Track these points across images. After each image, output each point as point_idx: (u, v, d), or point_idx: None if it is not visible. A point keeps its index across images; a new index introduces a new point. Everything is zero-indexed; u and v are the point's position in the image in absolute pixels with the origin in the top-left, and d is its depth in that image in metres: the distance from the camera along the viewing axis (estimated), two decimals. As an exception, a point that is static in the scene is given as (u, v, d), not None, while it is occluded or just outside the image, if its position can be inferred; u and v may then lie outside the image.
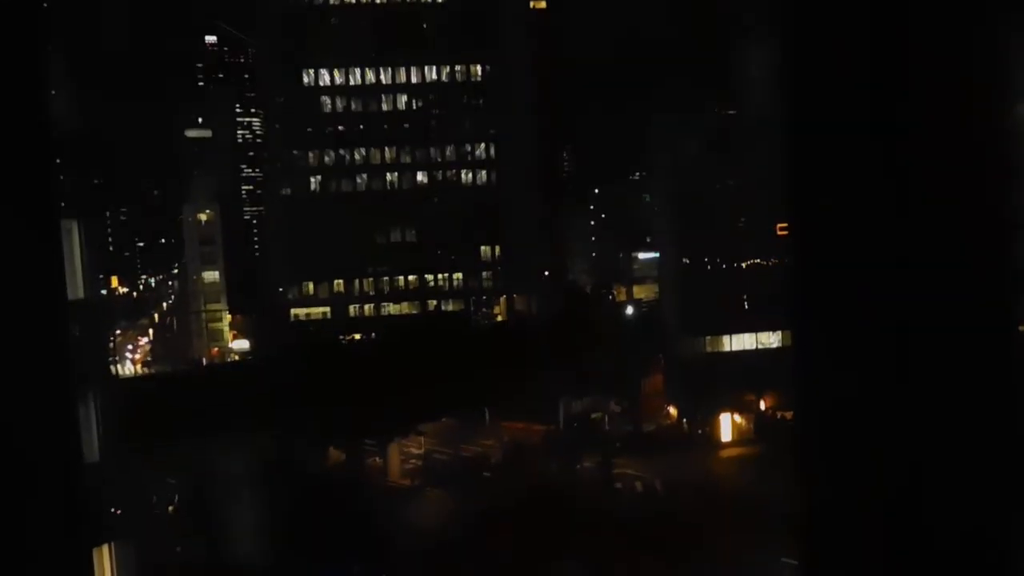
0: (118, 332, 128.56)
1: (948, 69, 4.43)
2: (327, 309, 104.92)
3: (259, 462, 50.37)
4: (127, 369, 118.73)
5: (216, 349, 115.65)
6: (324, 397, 58.70)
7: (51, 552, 6.38)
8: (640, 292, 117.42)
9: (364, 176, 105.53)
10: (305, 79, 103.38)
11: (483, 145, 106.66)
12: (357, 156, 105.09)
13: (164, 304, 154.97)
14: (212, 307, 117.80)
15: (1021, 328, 4.57)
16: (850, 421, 4.63)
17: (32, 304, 6.40)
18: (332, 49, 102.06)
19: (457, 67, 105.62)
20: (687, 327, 76.46)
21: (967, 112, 4.46)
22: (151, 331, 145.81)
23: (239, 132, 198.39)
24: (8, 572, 6.10)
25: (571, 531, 48.58)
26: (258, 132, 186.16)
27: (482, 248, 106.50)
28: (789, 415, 67.32)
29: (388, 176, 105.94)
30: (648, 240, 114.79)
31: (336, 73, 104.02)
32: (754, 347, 76.42)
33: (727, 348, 78.19)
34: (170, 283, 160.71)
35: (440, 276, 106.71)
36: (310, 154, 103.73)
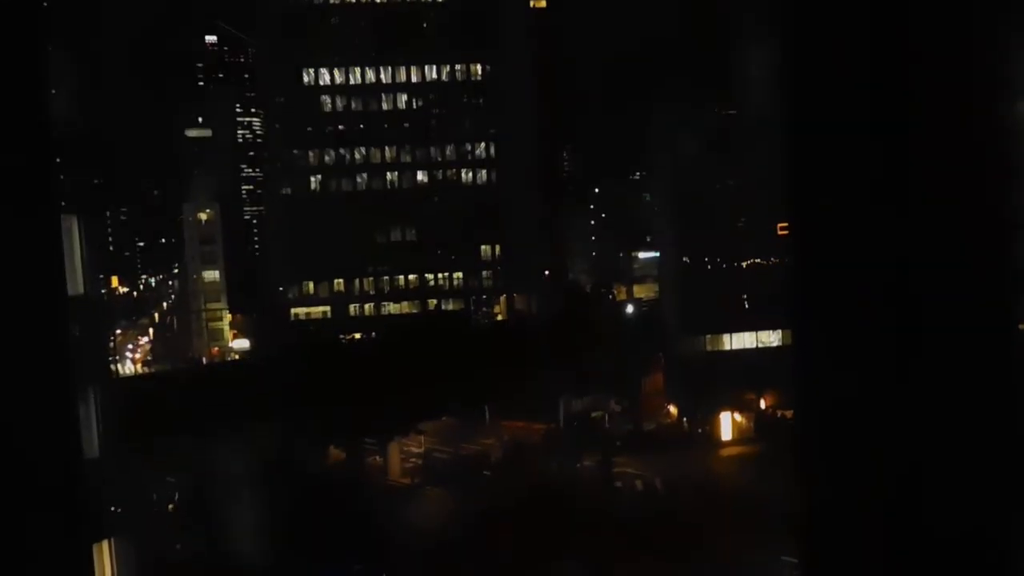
0: (118, 332, 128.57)
1: (948, 69, 4.43)
2: (327, 308, 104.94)
3: (259, 461, 50.38)
4: (127, 368, 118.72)
5: (216, 348, 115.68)
6: (324, 396, 58.71)
7: (51, 547, 6.39)
8: (640, 291, 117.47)
9: (364, 175, 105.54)
10: (305, 78, 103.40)
11: (483, 144, 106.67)
12: (357, 155, 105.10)
13: (164, 304, 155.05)
14: (212, 306, 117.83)
15: (1021, 327, 4.57)
16: (850, 421, 4.63)
17: (32, 300, 6.41)
18: (332, 48, 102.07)
19: (457, 67, 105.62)
20: (687, 326, 76.48)
21: (967, 112, 4.46)
22: (151, 330, 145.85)
23: (239, 132, 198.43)
24: (9, 567, 6.10)
25: (571, 530, 48.60)
26: (258, 132, 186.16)
27: (482, 247, 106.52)
28: (789, 414, 67.34)
29: (388, 175, 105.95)
30: (648, 240, 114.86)
31: (336, 72, 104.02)
32: (754, 346, 76.44)
33: (727, 347, 78.21)
34: (170, 283, 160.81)
35: (440, 275, 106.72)
36: (310, 153, 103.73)
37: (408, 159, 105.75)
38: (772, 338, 73.99)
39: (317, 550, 46.87)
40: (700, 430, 75.14)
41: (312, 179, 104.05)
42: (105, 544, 19.06)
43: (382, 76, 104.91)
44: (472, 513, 52.79)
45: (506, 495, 56.45)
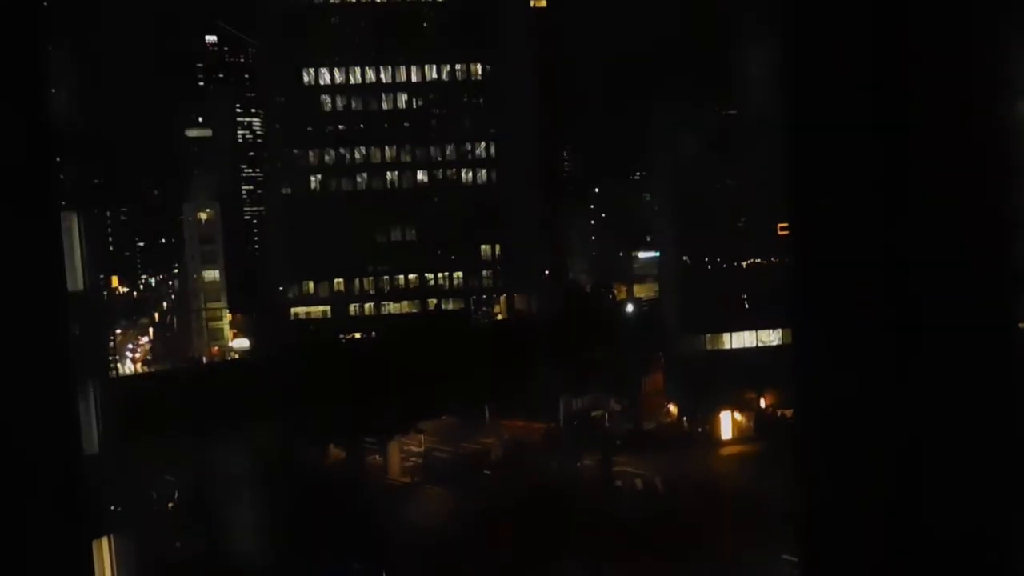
0: (118, 331, 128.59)
1: (948, 69, 4.43)
2: (327, 308, 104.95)
3: (259, 460, 50.39)
4: (127, 368, 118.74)
5: (216, 348, 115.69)
6: (324, 396, 58.72)
7: (51, 543, 6.39)
8: (640, 291, 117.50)
9: (364, 175, 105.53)
10: (305, 78, 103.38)
11: (483, 144, 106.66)
12: (357, 155, 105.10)
13: (164, 303, 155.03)
14: (212, 306, 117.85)
15: (1021, 326, 4.57)
16: (850, 421, 4.63)
17: (32, 295, 6.42)
18: (332, 48, 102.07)
19: (457, 66, 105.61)
20: (687, 325, 76.47)
21: (967, 112, 4.46)
22: (151, 330, 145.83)
23: (239, 132, 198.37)
24: (9, 562, 6.11)
25: (571, 529, 48.60)
26: (258, 132, 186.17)
27: (482, 247, 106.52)
28: (789, 413, 67.36)
29: (388, 175, 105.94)
30: (648, 239, 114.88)
31: (336, 72, 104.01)
32: (754, 345, 76.44)
33: (727, 346, 78.21)
34: (170, 282, 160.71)
35: (440, 275, 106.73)
36: (310, 153, 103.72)
37: (408, 159, 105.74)
38: (772, 337, 74.00)
39: (317, 549, 46.89)
40: (700, 429, 75.14)
41: (312, 179, 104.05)
42: (104, 540, 19.07)
43: (382, 76, 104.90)
44: (472, 512, 52.81)
45: (506, 494, 56.47)
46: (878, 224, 4.50)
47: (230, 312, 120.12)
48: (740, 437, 73.77)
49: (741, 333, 77.49)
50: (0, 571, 6.18)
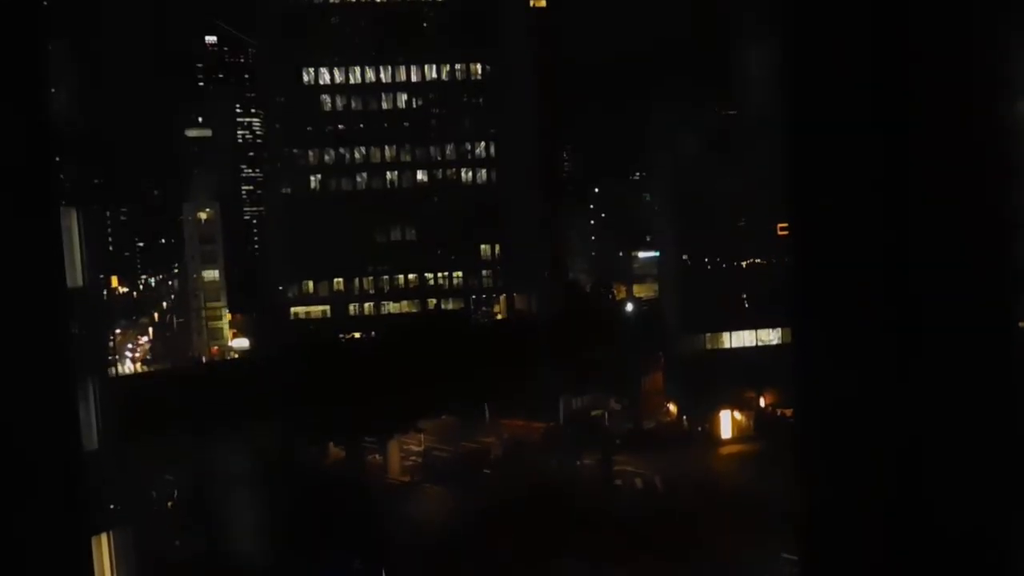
0: (118, 331, 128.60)
1: (948, 69, 4.44)
2: (327, 308, 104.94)
3: (259, 459, 50.40)
4: (127, 367, 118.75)
5: (216, 347, 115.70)
6: (324, 395, 58.73)
7: (50, 539, 6.40)
8: (640, 291, 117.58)
9: (364, 175, 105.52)
10: (305, 78, 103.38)
11: (483, 144, 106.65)
12: (357, 155, 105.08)
13: (164, 303, 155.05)
14: (212, 305, 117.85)
15: (1021, 324, 4.57)
16: (850, 421, 4.63)
17: (31, 291, 6.42)
18: (332, 48, 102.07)
19: (457, 66, 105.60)
20: (687, 324, 76.52)
21: (967, 112, 4.46)
22: (151, 330, 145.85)
23: (239, 132, 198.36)
24: (8, 558, 6.12)
25: (571, 528, 48.63)
26: (258, 132, 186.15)
27: (482, 247, 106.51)
28: (789, 412, 67.39)
29: (388, 175, 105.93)
30: (648, 239, 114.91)
31: (336, 72, 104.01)
32: (754, 344, 76.48)
33: (727, 345, 78.24)
34: (170, 283, 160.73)
35: (440, 275, 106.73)
36: (310, 153, 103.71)
37: (408, 158, 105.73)
38: (772, 336, 74.06)
39: (317, 548, 46.89)
40: (700, 428, 75.17)
41: (312, 178, 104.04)
42: (104, 537, 19.10)
43: (382, 75, 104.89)
44: (472, 511, 52.83)
45: (506, 493, 56.49)
46: (878, 224, 4.50)
47: (230, 312, 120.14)
48: (740, 436, 73.80)
49: (741, 332, 77.56)
50: (2, 563, 6.18)
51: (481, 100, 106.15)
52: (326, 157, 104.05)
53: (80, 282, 20.38)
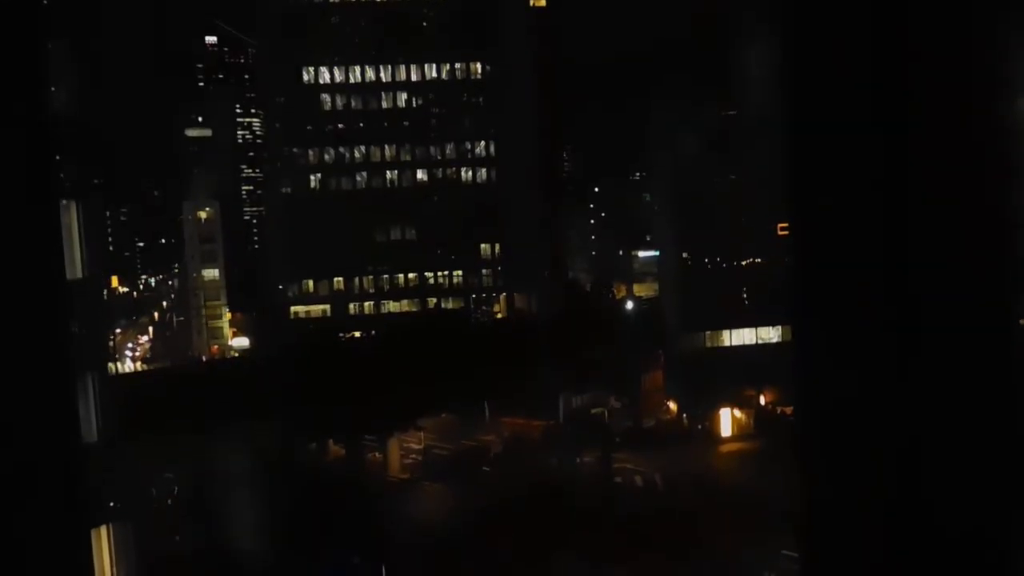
0: (118, 331, 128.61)
1: (948, 69, 4.44)
2: (327, 307, 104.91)
3: (259, 458, 50.39)
4: (127, 366, 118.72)
5: (216, 347, 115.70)
6: (324, 394, 58.72)
7: (51, 530, 6.41)
8: (640, 290, 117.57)
9: (364, 174, 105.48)
10: (305, 77, 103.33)
11: (483, 143, 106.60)
12: (357, 154, 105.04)
13: (164, 303, 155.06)
14: (212, 305, 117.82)
15: (1021, 323, 4.58)
16: (850, 420, 4.64)
17: (31, 283, 6.43)
18: (332, 47, 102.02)
19: (457, 65, 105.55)
20: (687, 323, 76.52)
21: (967, 112, 4.47)
22: (151, 329, 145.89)
23: (239, 132, 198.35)
24: (10, 550, 6.13)
25: (571, 526, 48.65)
26: (258, 132, 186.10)
27: (482, 246, 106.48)
28: (789, 410, 67.45)
29: (388, 174, 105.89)
30: (648, 239, 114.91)
31: (336, 71, 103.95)
32: (754, 342, 76.48)
33: (727, 343, 78.24)
34: (170, 282, 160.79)
35: (440, 274, 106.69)
36: (310, 152, 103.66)
37: (408, 158, 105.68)
38: (772, 334, 74.08)
39: (317, 546, 46.90)
40: (700, 426, 75.18)
41: (312, 178, 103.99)
42: (103, 529, 19.12)
43: (382, 75, 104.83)
44: (471, 509, 52.84)
45: (506, 491, 56.50)
46: (878, 224, 4.50)
47: (230, 311, 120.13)
48: (740, 434, 73.81)
49: (741, 330, 77.55)
50: (2, 556, 6.20)
51: (481, 100, 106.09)
52: (326, 156, 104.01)
53: (80, 274, 20.38)
